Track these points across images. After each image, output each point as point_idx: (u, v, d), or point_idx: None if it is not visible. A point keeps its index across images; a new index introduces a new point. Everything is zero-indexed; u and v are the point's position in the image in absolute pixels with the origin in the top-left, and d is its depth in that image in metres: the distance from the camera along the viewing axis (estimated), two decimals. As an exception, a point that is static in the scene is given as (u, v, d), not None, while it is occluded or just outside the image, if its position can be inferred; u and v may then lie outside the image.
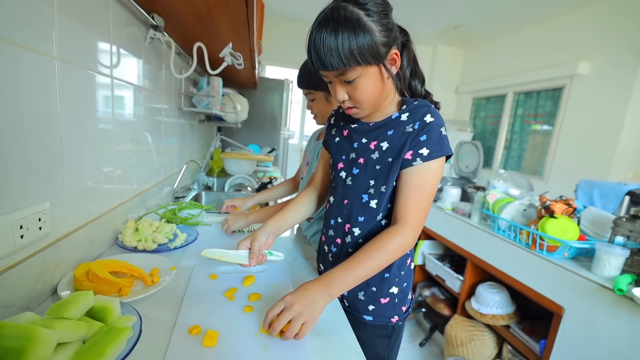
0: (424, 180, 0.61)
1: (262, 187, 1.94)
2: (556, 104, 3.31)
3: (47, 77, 0.58)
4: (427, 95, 0.69)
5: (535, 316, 1.51)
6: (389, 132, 0.64)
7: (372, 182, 0.66)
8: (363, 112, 0.65)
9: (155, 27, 1.00)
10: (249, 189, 2.01)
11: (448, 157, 0.63)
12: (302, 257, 0.94)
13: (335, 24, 0.53)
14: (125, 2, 0.84)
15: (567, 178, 3.05)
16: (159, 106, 1.24)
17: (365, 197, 0.67)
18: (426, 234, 2.08)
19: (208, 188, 1.94)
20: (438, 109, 0.67)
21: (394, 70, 0.61)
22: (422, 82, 0.69)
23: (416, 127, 0.61)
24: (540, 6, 3.11)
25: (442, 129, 0.61)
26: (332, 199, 0.74)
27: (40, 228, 0.57)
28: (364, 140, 0.68)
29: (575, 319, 1.12)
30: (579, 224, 1.30)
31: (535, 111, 3.59)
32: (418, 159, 0.60)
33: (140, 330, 0.50)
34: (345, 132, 0.72)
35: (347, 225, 0.69)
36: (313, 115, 1.09)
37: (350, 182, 0.69)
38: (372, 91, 0.60)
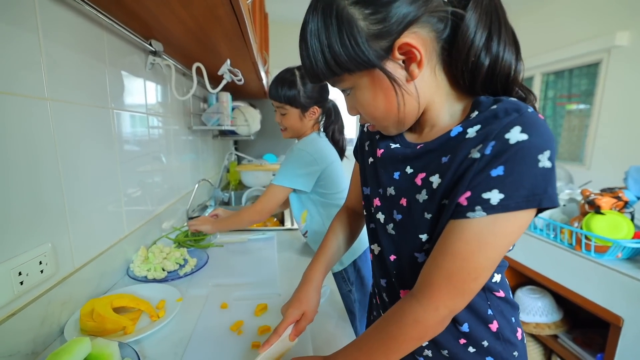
0: (478, 245, 0.36)
1: (279, 197, 1.92)
2: (592, 81, 3.02)
3: (39, 119, 0.57)
4: (520, 90, 0.41)
5: (588, 323, 1.35)
6: (444, 159, 0.40)
7: (423, 237, 0.43)
8: (384, 130, 0.47)
9: (155, 53, 1.01)
10: (267, 200, 2.00)
11: (541, 210, 0.36)
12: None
13: (306, 16, 0.40)
14: (120, 33, 0.85)
15: (612, 164, 2.75)
16: (168, 127, 1.25)
17: (420, 257, 0.45)
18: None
19: (225, 203, 1.95)
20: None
21: (415, 70, 0.39)
22: (510, 67, 0.39)
23: (487, 151, 0.35)
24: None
25: (543, 157, 0.34)
26: (375, 248, 0.54)
27: (41, 271, 0.57)
28: (408, 171, 0.45)
29: (638, 330, 0.98)
30: (632, 219, 1.14)
31: (568, 91, 3.30)
32: (478, 209, 0.35)
33: (139, 376, 0.48)
34: (379, 152, 0.50)
35: (404, 292, 0.49)
36: (282, 128, 1.05)
37: (393, 232, 0.48)
38: (377, 106, 0.42)
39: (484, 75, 0.39)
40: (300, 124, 1.02)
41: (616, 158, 2.79)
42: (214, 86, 1.11)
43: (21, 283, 0.53)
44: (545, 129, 0.35)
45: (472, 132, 0.38)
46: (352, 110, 0.47)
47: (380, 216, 0.50)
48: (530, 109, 0.36)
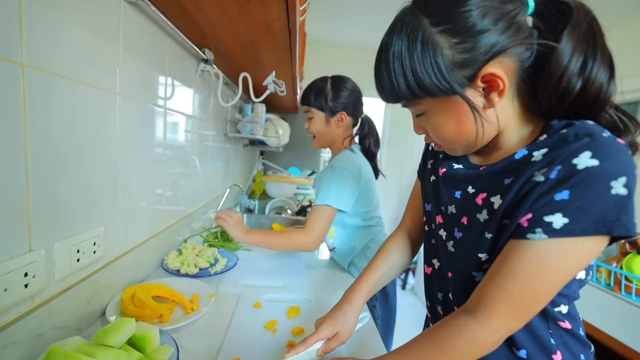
0: (541, 268, 0.35)
1: (302, 210, 1.94)
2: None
3: (109, 111, 0.63)
4: (615, 114, 0.39)
5: (624, 372, 1.25)
6: (507, 181, 0.40)
7: (483, 257, 0.43)
8: (451, 151, 0.48)
9: (206, 61, 1.08)
10: (289, 211, 2.02)
11: (616, 239, 0.35)
12: (344, 289, 0.88)
13: (388, 37, 0.40)
14: (180, 40, 0.92)
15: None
16: (206, 132, 1.32)
17: (478, 276, 0.45)
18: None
19: (249, 211, 1.99)
20: (634, 145, 0.38)
21: (496, 98, 0.39)
22: (600, 88, 0.37)
23: (552, 175, 0.35)
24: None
25: (617, 183, 0.32)
26: (435, 262, 0.55)
27: (94, 252, 0.60)
28: (470, 190, 0.46)
29: (683, 382, 0.90)
30: (676, 261, 1.07)
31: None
32: (539, 231, 0.35)
33: (177, 363, 0.49)
34: (442, 171, 0.51)
35: (457, 308, 0.47)
36: (311, 136, 1.05)
37: (452, 249, 0.49)
38: (448, 129, 0.43)
39: (572, 99, 0.38)
40: (326, 129, 1.01)
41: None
42: (257, 96, 1.16)
43: (78, 260, 0.56)
44: (622, 155, 0.34)
45: (538, 155, 0.38)
46: (419, 130, 0.48)
47: (442, 233, 0.51)
48: (607, 134, 0.35)
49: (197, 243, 1.00)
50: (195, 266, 0.87)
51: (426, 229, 0.58)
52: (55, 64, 0.48)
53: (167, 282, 0.77)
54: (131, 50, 0.68)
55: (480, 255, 0.43)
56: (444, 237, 0.51)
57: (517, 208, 0.37)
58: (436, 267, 0.54)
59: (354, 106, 1.02)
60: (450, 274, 0.49)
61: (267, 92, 1.13)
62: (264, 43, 0.96)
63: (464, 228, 0.46)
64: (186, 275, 0.84)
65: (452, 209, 0.49)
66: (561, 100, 0.38)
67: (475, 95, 0.39)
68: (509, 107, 0.41)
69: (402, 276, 3.11)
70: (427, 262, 0.57)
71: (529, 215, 0.36)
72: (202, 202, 1.30)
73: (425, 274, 0.58)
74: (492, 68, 0.37)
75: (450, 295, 0.51)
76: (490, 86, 0.38)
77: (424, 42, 0.37)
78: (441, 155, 0.53)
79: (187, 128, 1.07)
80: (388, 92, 0.42)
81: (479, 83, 0.38)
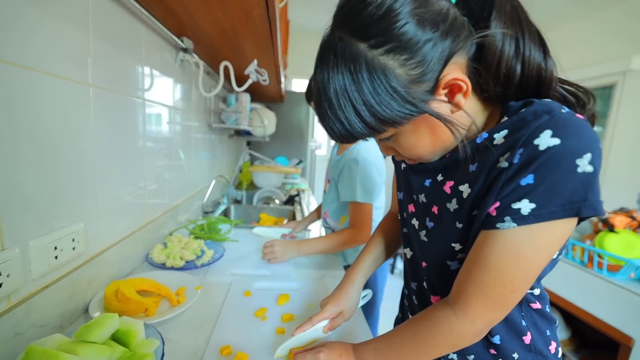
0: (514, 257, 0.35)
1: (290, 199, 1.94)
2: (607, 103, 3.02)
3: (82, 104, 0.61)
4: (565, 89, 0.39)
5: (597, 344, 1.33)
6: (472, 167, 0.40)
7: (456, 247, 0.43)
8: (427, 161, 0.45)
9: (185, 50, 1.04)
10: (277, 201, 2.02)
11: (584, 219, 0.34)
12: (334, 273, 0.90)
13: (323, 74, 0.36)
14: (157, 28, 0.88)
15: (626, 186, 2.73)
16: (190, 124, 1.29)
17: (453, 265, 0.45)
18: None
19: (237, 202, 1.98)
20: (592, 117, 0.39)
21: (462, 100, 0.37)
22: (539, 67, 0.37)
23: (516, 160, 0.34)
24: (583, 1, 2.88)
25: (582, 161, 0.32)
26: (407, 252, 0.54)
27: (73, 248, 0.59)
28: (439, 178, 0.45)
29: (648, 351, 0.97)
30: (645, 239, 1.13)
31: (582, 112, 3.29)
32: (507, 219, 0.34)
33: (163, 354, 0.49)
34: (410, 160, 0.48)
35: (435, 298, 0.49)
36: None
37: (425, 239, 0.48)
38: (422, 146, 0.40)
39: (517, 83, 0.37)
40: None
41: (629, 179, 2.77)
42: (239, 85, 1.14)
43: (56, 257, 0.55)
44: (584, 130, 0.32)
45: (499, 137, 0.37)
46: (387, 152, 0.45)
47: (415, 222, 0.50)
48: (565, 109, 0.34)
49: (183, 236, 1.00)
50: (182, 259, 0.86)
51: (399, 217, 0.58)
52: (14, 53, 0.45)
53: (153, 276, 0.76)
54: (103, 39, 0.65)
55: (453, 244, 0.43)
56: (416, 227, 0.50)
57: (485, 197, 0.37)
58: (408, 256, 0.54)
59: None
60: (424, 264, 0.49)
61: (250, 82, 1.11)
62: (244, 31, 0.94)
63: (435, 218, 0.45)
64: (172, 268, 0.83)
65: (422, 197, 0.48)
66: (506, 86, 0.38)
67: (440, 105, 0.37)
68: (472, 101, 0.40)
69: (391, 261, 3.19)
70: (403, 252, 0.58)
71: (497, 204, 0.35)
72: (187, 195, 1.28)
73: (404, 264, 0.59)
74: (451, 73, 0.35)
75: (424, 284, 0.50)
76: (452, 90, 0.37)
77: (369, 69, 0.33)
78: None
79: (169, 119, 1.05)
80: (342, 135, 0.38)
81: (441, 91, 0.36)
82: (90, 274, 0.65)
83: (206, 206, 1.49)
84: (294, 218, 1.70)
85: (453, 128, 0.37)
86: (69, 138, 0.57)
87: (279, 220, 1.66)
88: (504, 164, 0.35)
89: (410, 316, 0.56)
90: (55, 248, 0.55)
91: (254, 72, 1.06)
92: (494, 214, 0.36)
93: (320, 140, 4.54)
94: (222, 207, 1.61)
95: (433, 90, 0.36)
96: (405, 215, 0.54)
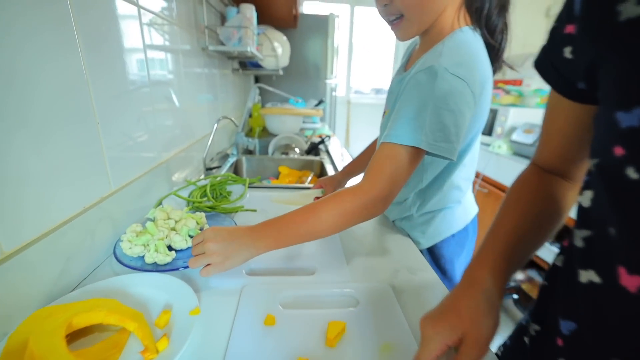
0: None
1: (313, 147, 1.58)
2: None
3: None
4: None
5: None
6: None
7: None
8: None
9: None
10: (297, 150, 1.65)
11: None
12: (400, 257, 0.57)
13: None
14: None
15: None
16: (176, 47, 0.88)
17: None
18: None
19: (249, 152, 1.63)
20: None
21: None
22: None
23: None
24: None
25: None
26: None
27: None
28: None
29: None
30: None
31: None
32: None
33: None
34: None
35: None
36: (392, 18, 0.54)
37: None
38: None
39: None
40: None
41: None
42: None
43: None
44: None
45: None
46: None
47: None
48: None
49: (176, 207, 0.67)
50: (170, 249, 0.55)
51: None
52: None
53: (119, 285, 0.45)
54: None
55: None
56: None
57: None
58: None
59: None
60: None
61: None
62: None
63: None
64: (154, 266, 0.52)
65: None
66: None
67: None
68: None
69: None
70: None
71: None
72: (182, 146, 0.94)
73: None
74: None
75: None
76: None
77: None
78: None
79: (139, 30, 0.65)
80: None
81: None
82: (-18, 304, 0.33)
83: (212, 160, 1.15)
84: (321, 173, 1.36)
85: None
86: None
87: (303, 174, 1.32)
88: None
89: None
90: None
91: None
92: None
93: (337, 80, 3.96)
94: (231, 160, 1.27)
95: None
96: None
